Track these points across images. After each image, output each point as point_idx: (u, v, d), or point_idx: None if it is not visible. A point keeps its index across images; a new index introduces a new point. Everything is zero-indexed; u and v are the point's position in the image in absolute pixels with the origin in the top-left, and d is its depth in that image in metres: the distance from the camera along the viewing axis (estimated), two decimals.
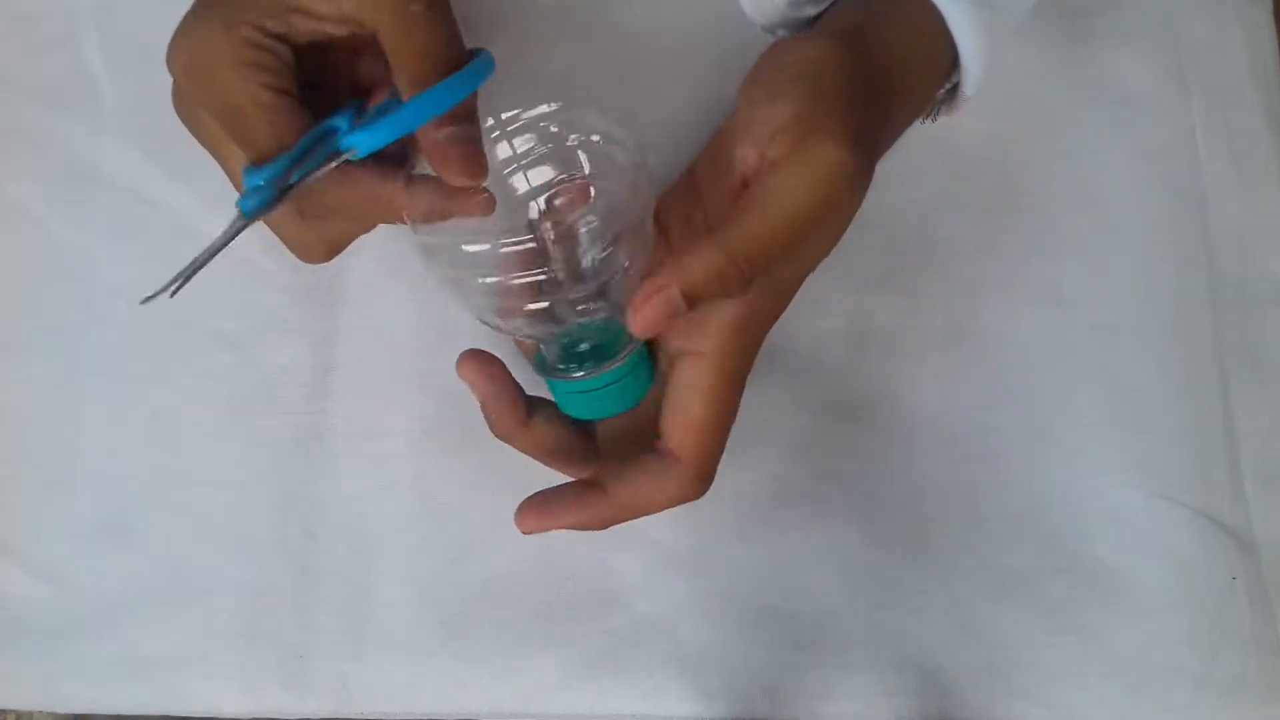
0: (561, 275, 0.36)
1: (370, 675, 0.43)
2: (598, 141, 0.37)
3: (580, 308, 0.36)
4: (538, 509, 0.37)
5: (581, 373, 0.36)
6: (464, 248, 0.35)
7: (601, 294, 0.36)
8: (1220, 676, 0.42)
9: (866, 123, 0.35)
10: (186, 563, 0.44)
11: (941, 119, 0.43)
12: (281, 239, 0.41)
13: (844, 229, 0.36)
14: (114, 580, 0.44)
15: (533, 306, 0.36)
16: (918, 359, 0.45)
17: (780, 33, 0.43)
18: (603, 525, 0.37)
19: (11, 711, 0.44)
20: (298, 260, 0.46)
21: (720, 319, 0.36)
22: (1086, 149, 0.48)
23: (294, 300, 0.46)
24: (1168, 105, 0.48)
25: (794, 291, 0.37)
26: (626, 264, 0.35)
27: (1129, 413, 0.45)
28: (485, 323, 0.37)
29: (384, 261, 0.47)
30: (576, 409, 0.38)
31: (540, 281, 0.35)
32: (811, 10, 0.40)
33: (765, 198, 0.34)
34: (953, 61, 0.39)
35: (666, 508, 0.37)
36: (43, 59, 0.49)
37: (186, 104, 0.40)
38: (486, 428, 0.44)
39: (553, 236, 0.36)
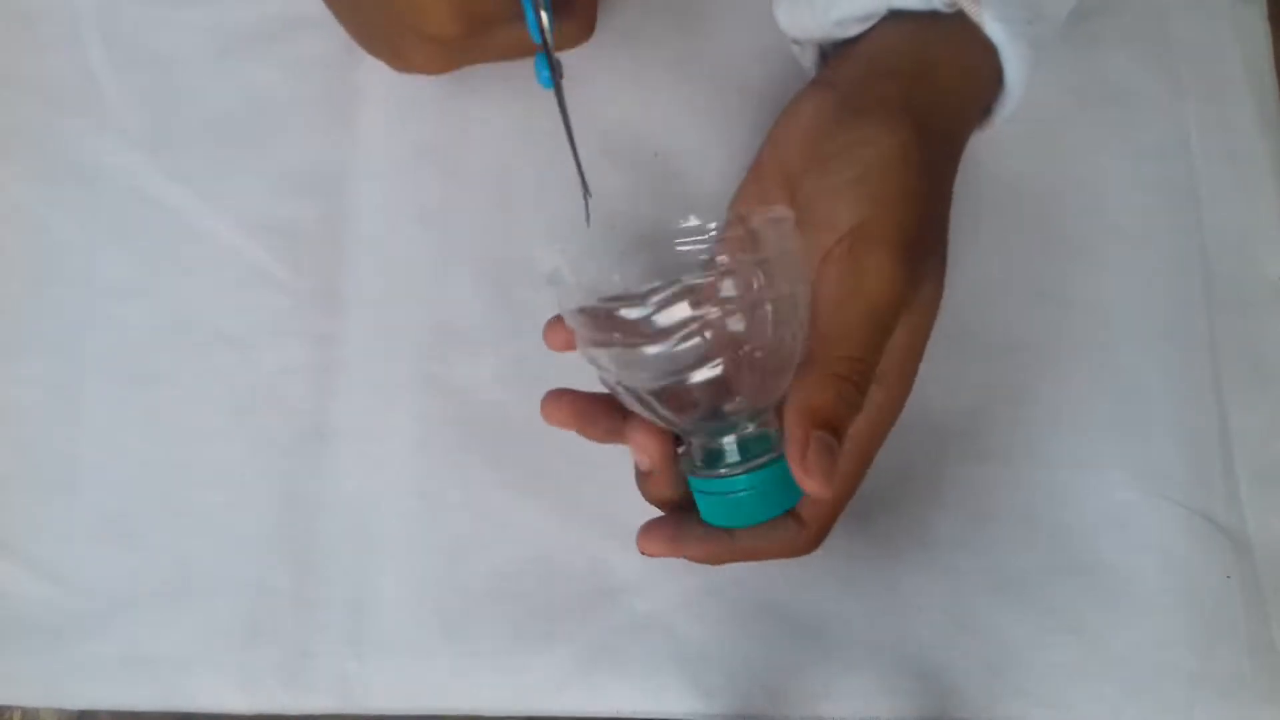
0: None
1: (371, 673, 0.43)
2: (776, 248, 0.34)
3: (730, 405, 0.34)
4: (667, 537, 0.37)
5: (724, 470, 0.35)
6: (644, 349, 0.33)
7: (756, 394, 0.34)
8: (1217, 675, 0.42)
9: (925, 214, 0.36)
10: (188, 561, 0.44)
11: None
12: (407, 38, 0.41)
13: (923, 312, 0.37)
14: (116, 579, 0.44)
15: (699, 377, 0.33)
16: None
17: (809, 51, 0.44)
18: (719, 563, 0.37)
19: (16, 709, 0.44)
20: (300, 260, 0.46)
21: (871, 405, 0.36)
22: (1082, 150, 0.48)
23: (296, 301, 0.46)
24: (1163, 106, 0.49)
25: (910, 376, 0.38)
26: (782, 366, 0.34)
27: (1125, 413, 0.45)
28: (630, 393, 0.35)
29: (385, 262, 0.47)
30: (716, 513, 0.36)
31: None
32: (856, 30, 0.40)
33: (835, 306, 0.34)
34: (993, 88, 0.39)
35: (782, 557, 0.37)
36: (44, 59, 0.49)
37: None
38: (488, 429, 0.45)
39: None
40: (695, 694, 0.42)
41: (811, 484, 0.32)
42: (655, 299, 0.32)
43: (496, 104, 0.48)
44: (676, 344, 0.32)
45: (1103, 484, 0.44)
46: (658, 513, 0.38)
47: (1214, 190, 0.48)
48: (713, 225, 0.34)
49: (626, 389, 0.34)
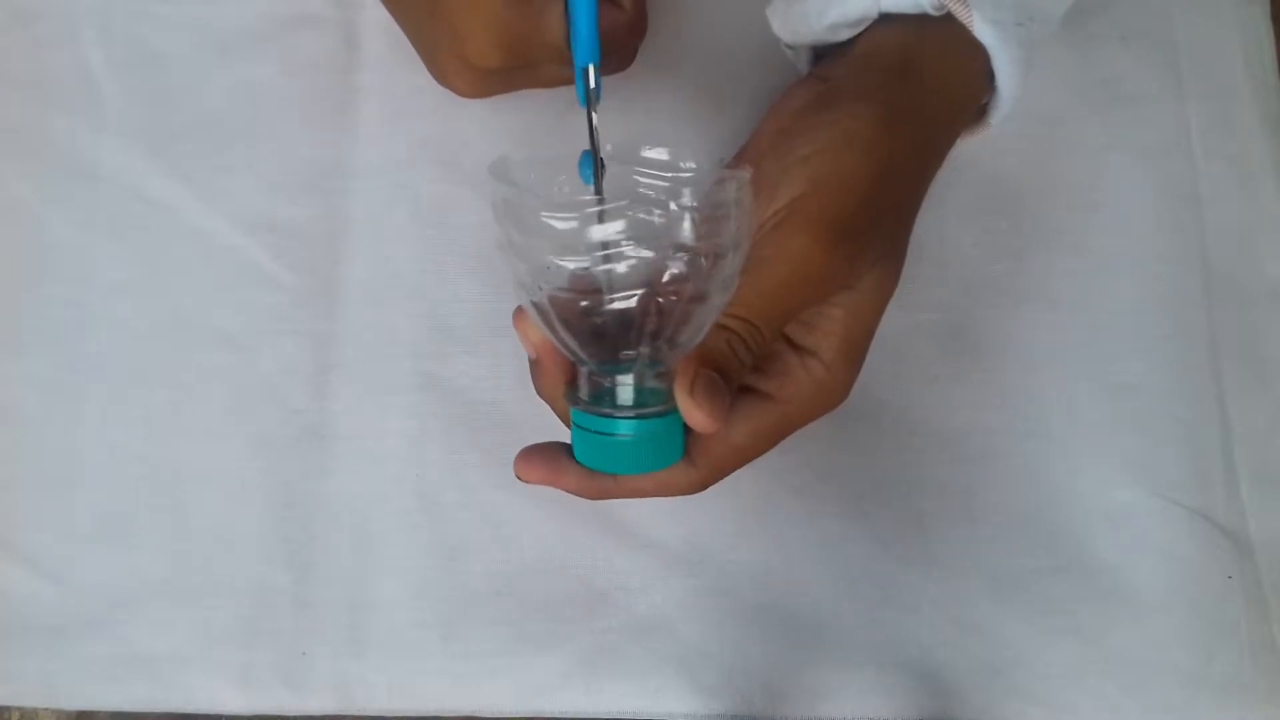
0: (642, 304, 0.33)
1: (370, 673, 0.43)
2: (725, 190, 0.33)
3: (635, 344, 0.34)
4: (543, 463, 0.37)
5: (610, 410, 0.34)
6: (552, 221, 0.32)
7: (667, 339, 0.34)
8: (1217, 675, 0.42)
9: (871, 200, 0.36)
10: (187, 561, 0.44)
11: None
12: (445, 63, 0.42)
13: (865, 297, 0.37)
14: (115, 578, 0.44)
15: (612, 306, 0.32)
16: (916, 359, 0.45)
17: (803, 54, 0.44)
18: (599, 496, 0.37)
19: (15, 709, 0.44)
20: (299, 260, 0.46)
21: (803, 376, 0.36)
22: (1084, 149, 0.48)
23: (294, 300, 0.46)
24: (1164, 106, 0.49)
25: (852, 359, 0.37)
26: (703, 321, 0.34)
27: (1126, 412, 0.45)
28: (534, 304, 0.34)
29: (383, 263, 0.47)
30: (591, 454, 0.35)
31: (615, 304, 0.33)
32: (848, 34, 0.41)
33: (753, 267, 0.34)
34: (984, 91, 0.40)
35: (663, 496, 0.37)
36: (43, 57, 0.49)
37: None
38: (486, 428, 0.45)
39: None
40: (695, 694, 0.42)
41: (697, 415, 0.33)
42: (591, 210, 0.31)
43: (495, 104, 0.48)
44: (597, 263, 0.31)
45: (1103, 484, 0.44)
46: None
47: (1215, 190, 0.48)
48: (688, 165, 0.34)
49: (534, 302, 0.33)
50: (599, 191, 0.34)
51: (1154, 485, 0.44)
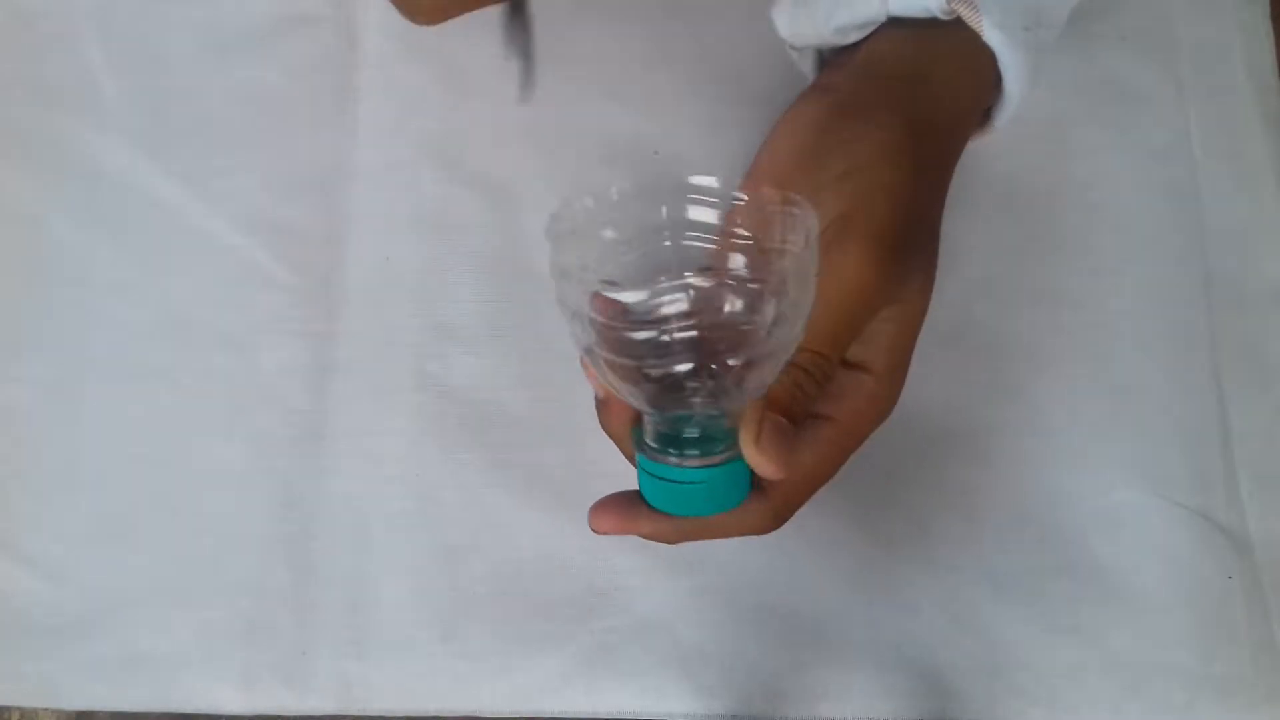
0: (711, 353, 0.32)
1: (370, 673, 0.43)
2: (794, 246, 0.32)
3: (700, 394, 0.33)
4: (618, 512, 0.36)
5: (676, 458, 0.34)
6: (618, 294, 0.31)
7: (732, 390, 0.33)
8: (1218, 676, 0.42)
9: (911, 211, 0.36)
10: (187, 561, 0.44)
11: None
12: None
13: (910, 307, 0.37)
14: (115, 578, 0.44)
15: (677, 368, 0.32)
16: (917, 359, 0.45)
17: (808, 57, 0.44)
18: (677, 540, 0.37)
19: (15, 709, 0.44)
20: (299, 260, 0.46)
21: (859, 394, 0.36)
22: (1084, 149, 0.48)
23: (294, 300, 0.46)
24: (1165, 106, 0.49)
25: (900, 370, 0.37)
26: (757, 371, 0.33)
27: (1126, 412, 0.45)
28: (594, 364, 0.33)
29: (383, 263, 0.47)
30: (659, 498, 0.35)
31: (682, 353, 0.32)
32: (856, 37, 0.41)
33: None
34: (992, 94, 0.40)
35: (740, 535, 0.37)
36: (43, 58, 0.49)
37: None
38: (486, 428, 0.45)
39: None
40: (694, 694, 0.42)
41: (765, 465, 0.32)
42: (657, 289, 0.31)
43: (496, 103, 0.48)
44: (663, 334, 0.31)
45: (1103, 484, 0.44)
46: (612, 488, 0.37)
47: (1216, 190, 0.48)
48: (739, 195, 0.33)
49: (596, 355, 0.33)
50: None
51: (1154, 485, 0.44)
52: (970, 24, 0.37)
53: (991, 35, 0.37)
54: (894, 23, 0.39)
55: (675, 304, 0.31)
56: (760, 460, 0.33)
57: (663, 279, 0.31)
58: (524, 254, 0.47)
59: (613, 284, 0.31)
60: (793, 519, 0.44)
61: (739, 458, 0.33)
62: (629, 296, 0.31)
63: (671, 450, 0.34)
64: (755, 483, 0.35)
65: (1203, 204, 0.48)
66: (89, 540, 0.44)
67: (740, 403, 0.33)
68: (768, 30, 0.44)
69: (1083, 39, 0.48)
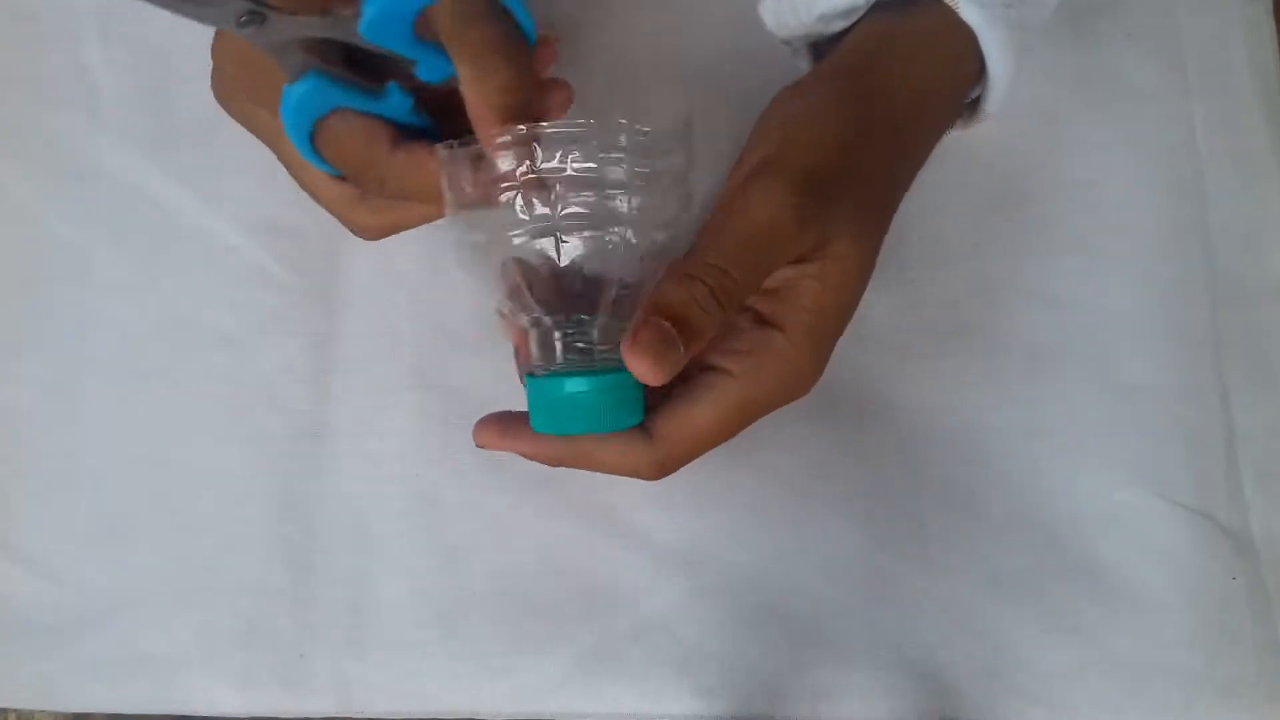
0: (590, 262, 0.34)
1: (370, 674, 0.43)
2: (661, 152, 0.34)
3: (584, 311, 0.34)
4: (499, 427, 0.37)
5: (558, 365, 0.34)
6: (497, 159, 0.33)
7: (613, 304, 0.34)
8: (1220, 676, 0.42)
9: (837, 165, 0.36)
10: (186, 562, 0.44)
11: (955, 132, 0.43)
12: (339, 218, 0.40)
13: (836, 267, 0.36)
14: (114, 579, 0.44)
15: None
16: (917, 358, 0.45)
17: (801, 49, 0.44)
18: (554, 463, 0.37)
19: (12, 711, 0.44)
20: (299, 260, 0.46)
21: (766, 350, 0.36)
22: (1087, 147, 0.48)
23: (294, 300, 0.46)
24: (1169, 104, 0.48)
25: (824, 335, 0.37)
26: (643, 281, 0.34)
27: (1128, 412, 0.45)
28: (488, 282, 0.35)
29: (383, 263, 0.47)
30: (543, 418, 0.35)
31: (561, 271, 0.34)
32: (840, 25, 0.40)
33: (716, 220, 0.34)
34: (975, 75, 0.39)
35: (623, 474, 0.37)
36: (43, 57, 0.49)
37: (232, 92, 0.39)
38: None
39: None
40: (694, 694, 0.42)
41: (638, 362, 0.32)
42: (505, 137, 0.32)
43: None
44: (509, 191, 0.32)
45: (1105, 484, 0.44)
46: None
47: (1220, 188, 0.47)
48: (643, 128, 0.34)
49: (474, 253, 0.34)
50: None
51: (1156, 485, 0.44)
52: (947, 1, 0.37)
53: (969, 11, 0.37)
54: (877, 7, 0.39)
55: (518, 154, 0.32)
56: (633, 358, 0.32)
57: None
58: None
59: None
60: (793, 519, 0.44)
61: (618, 369, 0.33)
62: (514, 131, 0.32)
63: (554, 363, 0.34)
64: (652, 433, 0.35)
65: (1207, 201, 0.47)
66: (89, 540, 0.44)
67: (609, 317, 0.34)
68: (765, 30, 0.44)
69: (1086, 36, 0.48)
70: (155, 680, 0.43)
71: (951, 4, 0.37)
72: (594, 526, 0.44)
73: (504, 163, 0.33)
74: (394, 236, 0.46)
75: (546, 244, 0.33)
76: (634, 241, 0.33)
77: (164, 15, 0.49)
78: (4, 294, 0.47)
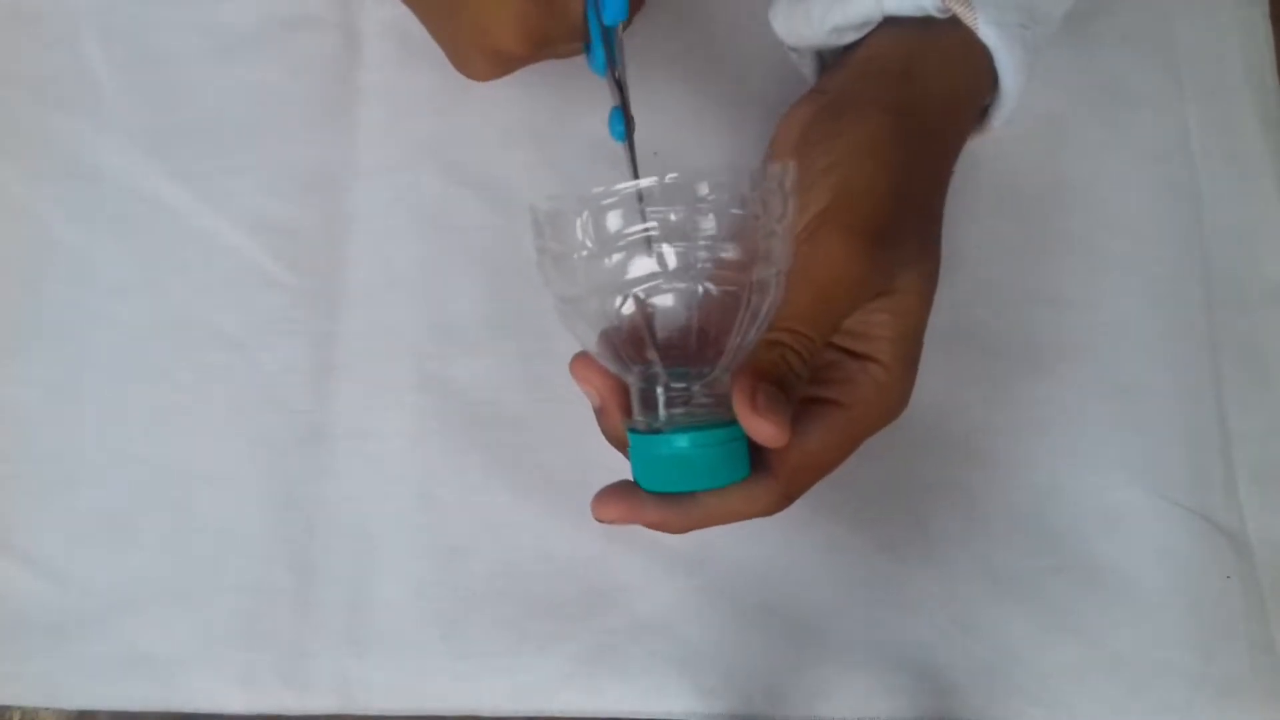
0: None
1: (371, 672, 0.43)
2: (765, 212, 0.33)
3: (669, 351, 0.34)
4: (622, 500, 0.35)
5: (663, 422, 0.34)
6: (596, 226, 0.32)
7: (715, 346, 0.34)
8: (1217, 676, 0.42)
9: (895, 203, 0.36)
10: (187, 560, 0.44)
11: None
12: (456, 43, 0.42)
13: (908, 298, 0.37)
14: (115, 578, 0.44)
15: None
16: None
17: (807, 57, 0.44)
18: (683, 529, 0.36)
19: (15, 709, 0.44)
20: (299, 260, 0.46)
21: (867, 380, 0.37)
22: (1083, 149, 0.48)
23: (295, 300, 0.46)
24: (1164, 106, 0.49)
25: (907, 361, 0.37)
26: (750, 324, 0.33)
27: (1126, 412, 0.45)
28: (576, 333, 0.35)
29: (383, 263, 0.47)
30: (652, 476, 0.34)
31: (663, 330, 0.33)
32: (852, 37, 0.41)
33: (792, 281, 0.34)
34: (988, 92, 0.40)
35: (751, 517, 0.36)
36: (44, 57, 0.49)
37: None
38: (487, 428, 0.45)
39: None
40: (695, 694, 0.42)
41: (764, 427, 0.32)
42: (613, 197, 0.31)
43: (496, 104, 0.48)
44: (615, 251, 0.31)
45: (1103, 484, 0.44)
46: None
47: (1215, 190, 0.48)
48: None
49: (577, 309, 0.33)
50: (631, 149, 0.36)
51: (1153, 485, 0.44)
52: (965, 21, 0.37)
53: (987, 32, 0.37)
54: (890, 22, 0.39)
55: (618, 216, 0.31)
56: (758, 423, 0.32)
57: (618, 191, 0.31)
58: (524, 254, 0.46)
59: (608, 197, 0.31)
60: (793, 519, 0.44)
61: (730, 424, 0.33)
62: (620, 189, 0.31)
63: (657, 421, 0.34)
64: (760, 464, 0.35)
65: (1202, 204, 0.48)
66: (89, 540, 0.44)
67: (723, 374, 0.33)
68: (769, 31, 0.44)
69: (1082, 39, 0.49)
70: (158, 678, 0.43)
71: (970, 24, 0.37)
72: (594, 526, 0.44)
73: (613, 222, 0.32)
74: (394, 237, 0.47)
75: (656, 300, 0.32)
76: (735, 292, 0.32)
77: (164, 15, 0.49)
78: (4, 294, 0.47)
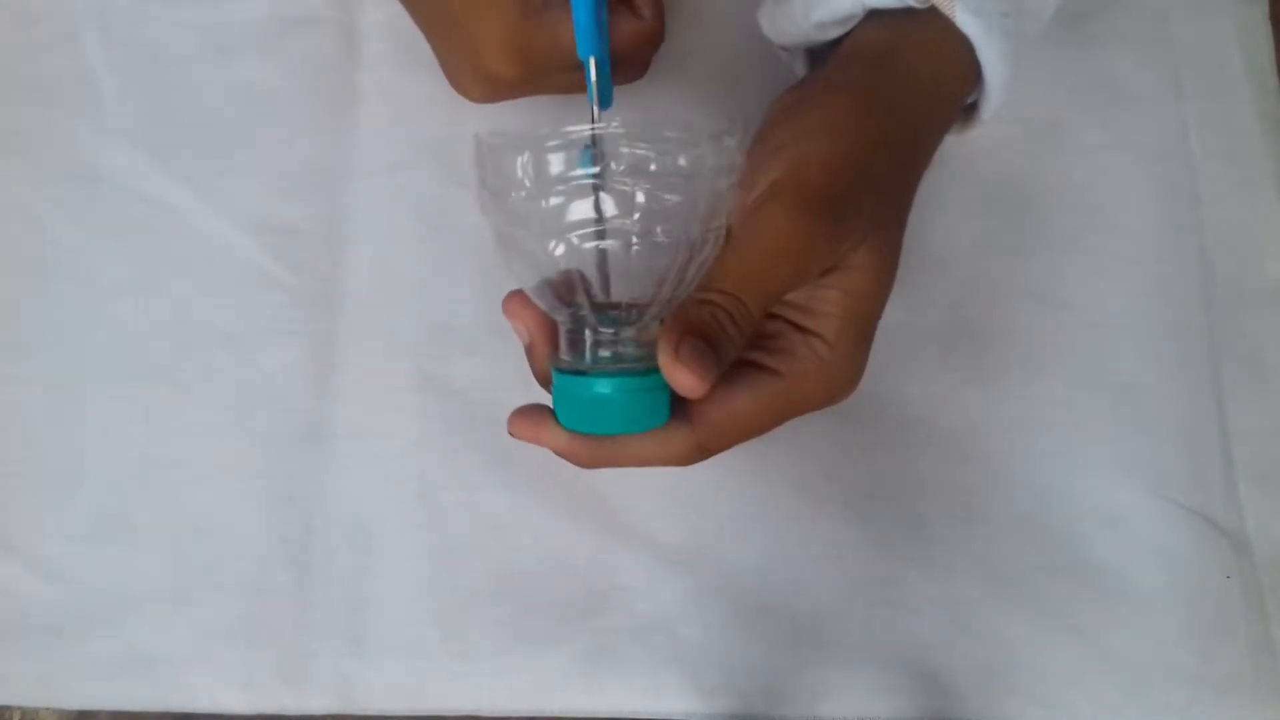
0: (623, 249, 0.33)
1: (371, 672, 0.43)
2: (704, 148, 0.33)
3: (601, 294, 0.34)
4: (533, 420, 0.36)
5: (590, 364, 0.34)
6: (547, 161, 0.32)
7: (648, 301, 0.34)
8: (1216, 676, 0.42)
9: (850, 180, 0.36)
10: (187, 560, 0.44)
11: (950, 137, 0.43)
12: (454, 66, 0.43)
13: (860, 276, 0.36)
14: (115, 578, 0.44)
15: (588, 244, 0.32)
16: (917, 358, 0.45)
17: (798, 56, 0.44)
18: (590, 462, 0.36)
19: (16, 709, 0.44)
20: (299, 260, 0.47)
21: (809, 354, 0.36)
22: (1083, 150, 0.48)
23: (295, 300, 0.46)
24: (1163, 106, 0.49)
25: (856, 340, 0.37)
26: (685, 277, 0.34)
27: (1125, 412, 0.45)
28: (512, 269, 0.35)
29: (383, 263, 0.47)
30: (572, 415, 0.35)
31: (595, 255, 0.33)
32: (837, 32, 0.41)
33: (731, 245, 0.34)
34: (973, 82, 0.40)
35: (656, 465, 0.36)
36: (44, 58, 0.49)
37: None
38: (487, 428, 0.45)
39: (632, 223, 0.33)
40: (695, 694, 0.42)
41: (682, 375, 0.32)
42: (557, 140, 0.31)
43: (496, 104, 0.48)
44: (554, 195, 0.32)
45: (1102, 484, 0.44)
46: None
47: (1214, 190, 0.48)
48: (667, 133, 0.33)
49: (513, 246, 0.33)
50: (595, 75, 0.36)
51: (1153, 485, 0.44)
52: (943, 9, 0.37)
53: (965, 21, 0.37)
54: (874, 15, 0.39)
55: (570, 156, 0.31)
56: (679, 371, 0.32)
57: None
58: None
59: (551, 139, 0.32)
60: (796, 520, 0.44)
61: (653, 371, 0.33)
62: (566, 132, 0.31)
63: (584, 362, 0.34)
64: (680, 414, 0.35)
65: (1201, 204, 0.48)
66: (89, 540, 0.44)
67: (648, 319, 0.34)
68: (761, 31, 0.44)
69: (1080, 39, 0.49)
70: (158, 678, 0.43)
71: (948, 13, 0.37)
72: (594, 526, 0.44)
73: (555, 165, 0.32)
74: (394, 237, 0.47)
75: (589, 246, 0.33)
76: (677, 242, 0.33)
77: (165, 16, 0.49)
78: (4, 294, 0.47)
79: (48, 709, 0.43)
